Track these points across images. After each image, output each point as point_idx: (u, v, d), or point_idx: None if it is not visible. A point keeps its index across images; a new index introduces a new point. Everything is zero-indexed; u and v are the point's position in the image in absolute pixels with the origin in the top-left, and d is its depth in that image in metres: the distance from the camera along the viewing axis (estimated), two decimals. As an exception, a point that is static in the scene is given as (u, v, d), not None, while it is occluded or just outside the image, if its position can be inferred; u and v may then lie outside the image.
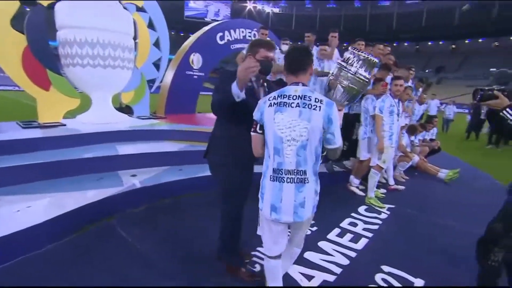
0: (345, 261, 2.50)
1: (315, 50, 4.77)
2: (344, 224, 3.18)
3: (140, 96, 6.14)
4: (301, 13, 54.52)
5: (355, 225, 3.19)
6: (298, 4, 54.69)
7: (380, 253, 2.65)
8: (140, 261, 2.33)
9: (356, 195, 4.09)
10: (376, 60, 2.06)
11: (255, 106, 1.72)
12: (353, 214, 3.45)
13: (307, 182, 1.61)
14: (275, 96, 1.63)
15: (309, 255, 2.55)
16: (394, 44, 51.65)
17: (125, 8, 5.53)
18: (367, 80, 2.02)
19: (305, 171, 1.60)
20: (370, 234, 2.99)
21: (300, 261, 2.45)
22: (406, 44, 51.30)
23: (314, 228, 3.05)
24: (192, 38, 7.34)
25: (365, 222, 3.27)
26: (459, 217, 3.57)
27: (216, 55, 7.22)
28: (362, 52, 2.00)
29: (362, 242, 2.82)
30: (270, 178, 1.64)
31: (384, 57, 5.40)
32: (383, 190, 4.33)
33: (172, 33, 30.03)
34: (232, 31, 7.42)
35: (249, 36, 7.55)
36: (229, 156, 2.01)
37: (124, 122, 5.22)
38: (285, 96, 1.61)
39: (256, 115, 1.69)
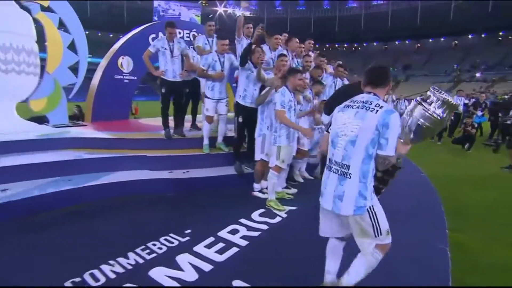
0: (193, 277, 2.20)
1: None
2: (223, 232, 2.89)
3: (54, 104, 5.65)
4: (272, 16, 54.90)
5: (235, 232, 2.90)
6: (269, 7, 55.09)
7: (240, 266, 2.37)
8: None
9: (260, 199, 3.82)
10: (457, 103, 1.99)
11: None
12: (241, 220, 3.15)
13: (349, 178, 1.72)
14: (345, 103, 1.86)
15: (156, 272, 2.24)
16: (364, 44, 53.12)
17: (24, 8, 5.10)
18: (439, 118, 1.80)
19: (349, 166, 1.72)
20: (244, 243, 2.71)
21: (142, 279, 2.17)
22: (375, 44, 52.69)
23: (186, 238, 2.76)
24: (122, 40, 6.96)
25: (249, 229, 2.98)
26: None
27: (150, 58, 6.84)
28: (443, 94, 1.80)
29: (229, 253, 2.53)
30: (327, 167, 1.85)
31: (316, 58, 5.35)
32: (294, 191, 4.10)
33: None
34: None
35: (187, 37, 7.19)
36: None
37: (29, 132, 4.65)
38: (353, 101, 1.82)
39: (330, 118, 1.93)
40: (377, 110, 1.68)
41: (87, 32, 6.14)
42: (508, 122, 7.01)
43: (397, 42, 50.59)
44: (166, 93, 4.52)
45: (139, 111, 16.44)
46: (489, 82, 37.31)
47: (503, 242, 3.01)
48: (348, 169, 1.72)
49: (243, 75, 4.05)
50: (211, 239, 2.77)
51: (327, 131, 1.94)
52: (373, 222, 1.73)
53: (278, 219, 3.27)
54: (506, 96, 10.61)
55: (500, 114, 8.51)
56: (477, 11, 41.65)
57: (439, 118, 1.76)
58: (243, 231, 2.95)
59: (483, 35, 43.84)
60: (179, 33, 6.94)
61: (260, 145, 3.86)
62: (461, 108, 9.32)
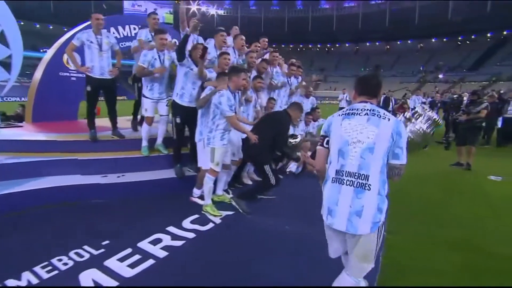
0: (89, 298, 1.97)
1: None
2: (144, 242, 2.65)
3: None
4: (246, 15, 54.72)
5: (157, 242, 2.67)
6: (243, 6, 54.85)
7: (150, 281, 2.15)
8: None
9: (198, 205, 3.56)
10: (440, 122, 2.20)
11: None
12: (169, 228, 2.92)
13: (368, 190, 1.55)
14: (343, 111, 1.74)
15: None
16: (337, 45, 54.29)
17: None
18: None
19: (368, 176, 1.56)
20: (163, 254, 2.49)
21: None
22: (347, 45, 53.99)
23: (100, 251, 2.50)
24: (68, 35, 6.44)
25: (174, 238, 2.76)
26: (303, 222, 3.26)
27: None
28: (431, 112, 2.06)
29: (142, 267, 2.30)
30: (332, 180, 1.65)
31: (270, 55, 5.24)
32: (231, 196, 3.83)
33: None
34: (120, 27, 6.64)
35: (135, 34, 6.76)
36: None
37: None
38: (354, 109, 1.69)
39: (324, 129, 1.75)
40: (389, 118, 1.60)
41: (51, 27, 5.57)
42: (457, 120, 7.27)
43: (368, 44, 52.12)
44: (92, 92, 4.10)
45: (101, 111, 15.64)
46: (450, 83, 39.40)
47: (436, 242, 2.96)
48: (367, 180, 1.55)
49: (181, 72, 3.80)
50: (128, 250, 2.53)
51: (322, 145, 1.75)
52: (378, 241, 1.60)
53: (209, 226, 3.08)
54: (455, 96, 11.17)
55: (452, 113, 8.90)
56: (439, 16, 44.01)
57: (425, 132, 1.92)
58: (166, 240, 2.73)
59: (444, 39, 46.30)
60: (134, 29, 6.59)
61: (202, 150, 3.63)
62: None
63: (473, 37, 44.18)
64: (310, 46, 54.95)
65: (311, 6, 53.45)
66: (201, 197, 3.63)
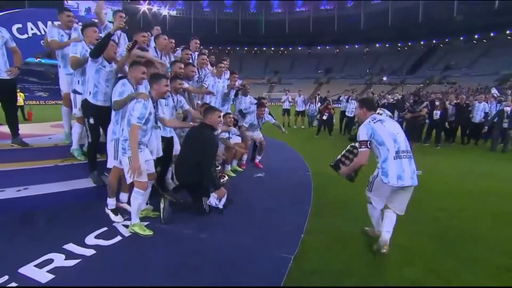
0: None
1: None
2: (29, 266, 2.28)
3: None
4: (200, 17, 53.96)
5: (45, 264, 2.32)
6: (196, 7, 53.97)
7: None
8: None
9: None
10: None
11: None
12: (67, 246, 2.57)
13: (412, 158, 2.74)
14: (373, 120, 2.82)
15: None
16: (290, 48, 55.90)
17: None
18: None
19: (410, 151, 2.75)
20: (46, 279, 2.16)
21: None
22: (299, 48, 55.85)
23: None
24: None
25: (68, 257, 2.43)
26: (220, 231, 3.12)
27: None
28: None
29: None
30: (393, 158, 2.67)
31: (199, 57, 5.11)
32: (151, 207, 3.43)
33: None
34: (40, 23, 5.89)
35: (76, 25, 6.09)
36: None
37: None
38: (378, 118, 2.84)
39: (368, 135, 2.76)
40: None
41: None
42: (400, 119, 7.95)
43: (319, 47, 54.47)
44: None
45: (33, 115, 14.13)
46: (393, 85, 42.78)
47: (350, 242, 2.97)
48: (411, 153, 2.74)
49: (92, 69, 3.44)
50: (4, 278, 2.16)
51: (366, 147, 2.76)
52: None
53: (115, 239, 2.78)
54: (399, 97, 12.41)
55: (396, 112, 9.68)
56: (381, 23, 47.70)
57: None
58: (58, 261, 2.40)
59: (387, 45, 50.25)
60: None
61: (112, 150, 3.29)
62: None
63: (410, 43, 48.56)
64: (264, 48, 55.89)
65: (264, 9, 54.49)
66: (114, 211, 3.26)
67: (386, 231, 2.68)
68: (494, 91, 14.92)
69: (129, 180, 2.99)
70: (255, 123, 5.49)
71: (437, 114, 8.97)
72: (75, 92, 3.86)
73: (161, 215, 3.20)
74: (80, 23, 5.14)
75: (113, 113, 3.34)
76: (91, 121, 3.52)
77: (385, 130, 2.72)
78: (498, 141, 8.41)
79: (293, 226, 3.19)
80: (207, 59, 5.19)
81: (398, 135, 2.72)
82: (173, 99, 3.91)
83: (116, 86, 3.20)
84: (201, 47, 5.73)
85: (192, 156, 3.44)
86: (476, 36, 42.27)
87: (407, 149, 2.70)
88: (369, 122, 2.77)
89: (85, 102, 3.54)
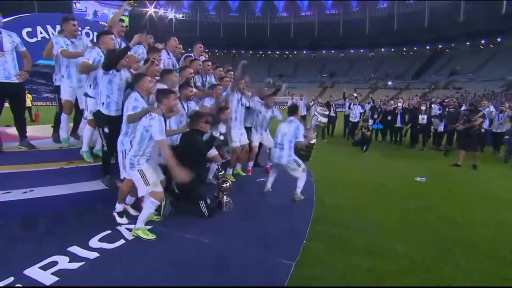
0: None
1: None
2: (34, 268, 2.32)
3: None
4: (205, 20, 54.38)
5: (50, 266, 2.36)
6: (202, 11, 54.43)
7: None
8: None
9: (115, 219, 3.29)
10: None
11: None
12: (71, 248, 2.62)
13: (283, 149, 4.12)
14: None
15: None
16: (294, 52, 55.99)
17: None
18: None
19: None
20: (50, 281, 2.20)
21: None
22: (304, 52, 55.93)
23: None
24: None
25: (73, 260, 2.48)
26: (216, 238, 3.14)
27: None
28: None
29: (18, 298, 2.04)
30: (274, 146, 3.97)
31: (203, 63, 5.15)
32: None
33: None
34: (49, 26, 6.02)
35: (80, 34, 6.19)
36: None
37: None
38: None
39: None
40: None
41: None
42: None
43: (323, 51, 54.51)
44: None
45: (40, 117, 14.32)
46: (398, 89, 42.59)
47: (351, 249, 2.97)
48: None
49: (104, 79, 3.47)
50: (9, 280, 2.20)
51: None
52: None
53: (119, 243, 2.82)
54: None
55: (388, 118, 9.62)
56: (386, 27, 47.63)
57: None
58: (62, 263, 2.44)
59: (392, 49, 50.14)
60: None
61: (122, 161, 3.34)
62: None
63: (415, 48, 48.38)
64: (269, 52, 56.06)
65: (270, 13, 54.73)
66: (121, 214, 3.33)
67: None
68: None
69: (141, 194, 3.06)
70: (263, 114, 5.36)
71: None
72: (86, 95, 3.88)
73: (161, 211, 3.39)
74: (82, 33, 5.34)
75: (123, 125, 3.39)
76: (106, 130, 3.56)
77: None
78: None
79: (295, 232, 3.20)
80: (211, 66, 5.23)
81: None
82: (183, 106, 3.96)
83: (129, 101, 3.23)
84: (206, 49, 5.79)
85: (183, 163, 3.29)
86: (482, 41, 42.01)
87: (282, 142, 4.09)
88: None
89: (98, 113, 3.57)
